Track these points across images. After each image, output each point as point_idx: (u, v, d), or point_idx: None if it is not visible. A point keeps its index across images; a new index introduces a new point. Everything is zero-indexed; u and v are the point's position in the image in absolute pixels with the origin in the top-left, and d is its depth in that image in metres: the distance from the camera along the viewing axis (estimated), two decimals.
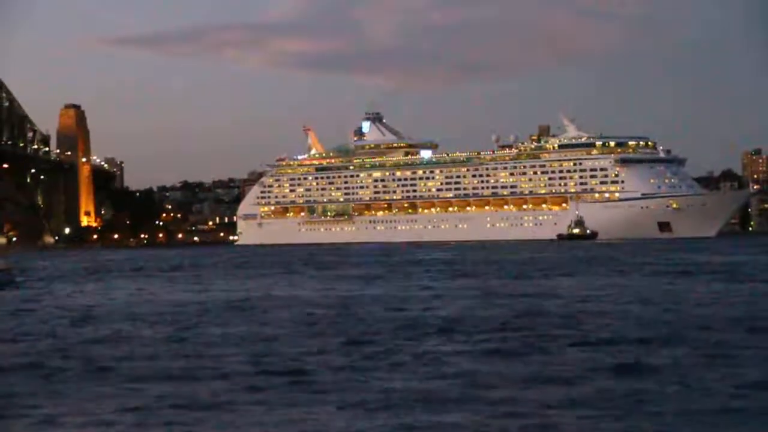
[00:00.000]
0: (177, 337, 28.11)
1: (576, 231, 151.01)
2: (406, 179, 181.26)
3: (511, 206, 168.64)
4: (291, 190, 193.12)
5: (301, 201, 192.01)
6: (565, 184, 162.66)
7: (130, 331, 29.99)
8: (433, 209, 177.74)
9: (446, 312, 33.90)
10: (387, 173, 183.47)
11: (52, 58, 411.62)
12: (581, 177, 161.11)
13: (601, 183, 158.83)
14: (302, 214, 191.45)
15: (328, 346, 25.05)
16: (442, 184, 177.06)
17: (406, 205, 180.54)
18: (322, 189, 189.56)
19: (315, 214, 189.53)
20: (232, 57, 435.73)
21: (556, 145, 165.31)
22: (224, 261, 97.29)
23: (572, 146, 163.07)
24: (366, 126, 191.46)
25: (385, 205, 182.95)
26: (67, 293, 50.17)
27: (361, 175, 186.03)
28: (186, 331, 29.81)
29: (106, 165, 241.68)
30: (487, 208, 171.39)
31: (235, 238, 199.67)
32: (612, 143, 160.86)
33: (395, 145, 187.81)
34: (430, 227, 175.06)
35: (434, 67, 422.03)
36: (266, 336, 27.73)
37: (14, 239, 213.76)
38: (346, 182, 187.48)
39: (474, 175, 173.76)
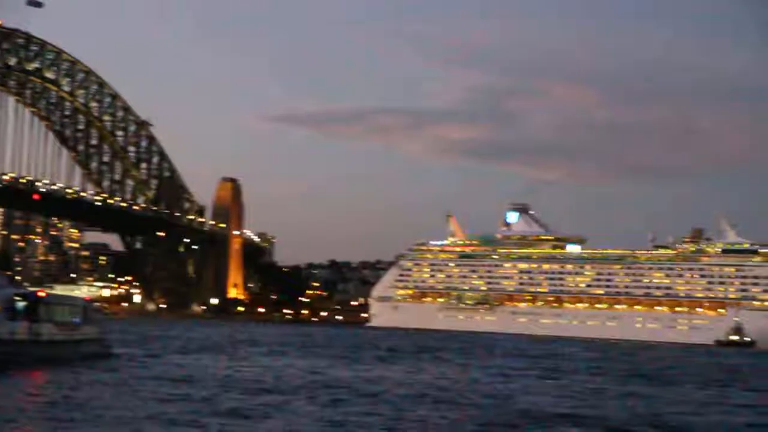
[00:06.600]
0: None
1: (735, 338, 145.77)
2: (553, 272, 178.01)
3: (664, 308, 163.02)
4: (431, 275, 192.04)
5: (440, 287, 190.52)
6: (725, 290, 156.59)
7: None
8: (579, 305, 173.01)
9: None
10: (533, 265, 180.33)
11: (214, 133, 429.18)
12: (742, 283, 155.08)
13: (764, 291, 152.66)
14: (440, 299, 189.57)
15: None
16: (592, 280, 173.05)
17: (551, 298, 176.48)
18: (464, 276, 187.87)
19: (453, 301, 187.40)
20: (389, 141, 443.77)
21: (718, 250, 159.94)
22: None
23: (735, 252, 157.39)
24: (513, 216, 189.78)
25: (529, 297, 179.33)
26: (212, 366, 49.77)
27: (506, 265, 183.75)
28: None
29: (258, 239, 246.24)
30: (637, 307, 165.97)
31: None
32: None
33: (543, 237, 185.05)
34: (575, 323, 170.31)
35: (586, 164, 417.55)
36: None
37: (163, 306, 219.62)
38: (489, 271, 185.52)
39: (627, 274, 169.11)
